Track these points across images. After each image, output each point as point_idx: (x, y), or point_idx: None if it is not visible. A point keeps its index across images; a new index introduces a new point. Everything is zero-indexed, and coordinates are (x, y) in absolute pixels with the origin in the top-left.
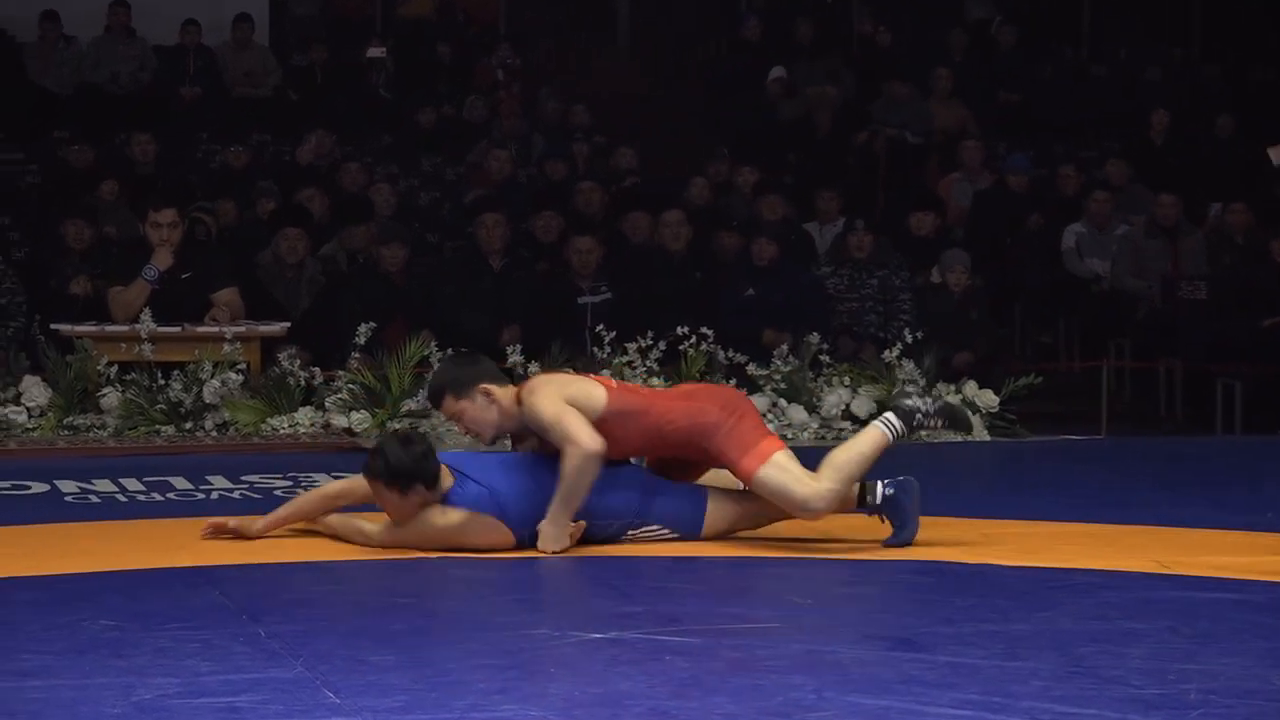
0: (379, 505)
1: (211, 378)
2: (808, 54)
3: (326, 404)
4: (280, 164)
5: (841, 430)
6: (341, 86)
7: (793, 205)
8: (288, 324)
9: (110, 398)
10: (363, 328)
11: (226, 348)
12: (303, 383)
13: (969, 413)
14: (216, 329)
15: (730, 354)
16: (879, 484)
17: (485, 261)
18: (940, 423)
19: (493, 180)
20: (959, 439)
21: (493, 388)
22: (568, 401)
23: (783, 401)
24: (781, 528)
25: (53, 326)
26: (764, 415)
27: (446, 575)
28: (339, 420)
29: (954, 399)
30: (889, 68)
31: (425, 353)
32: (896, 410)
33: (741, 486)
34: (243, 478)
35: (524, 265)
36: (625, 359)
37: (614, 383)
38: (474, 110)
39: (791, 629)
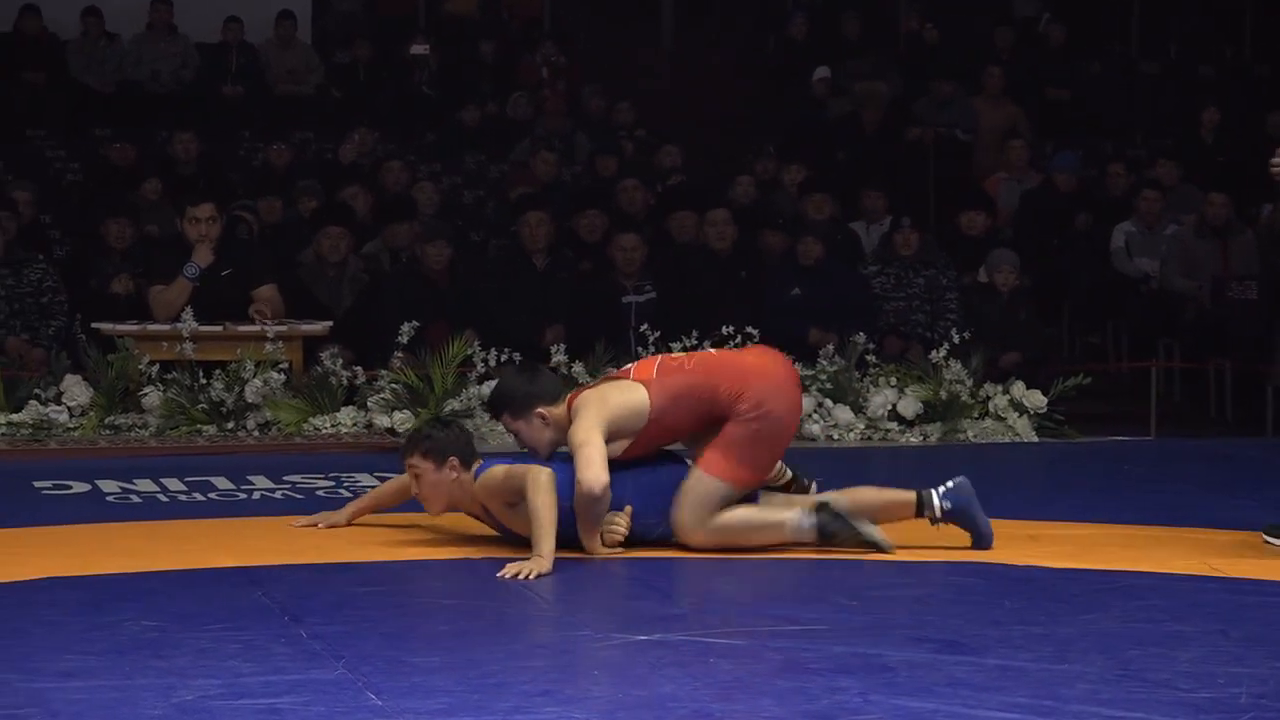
0: (413, 485)
1: (253, 377)
2: (854, 51)
3: (369, 404)
4: (323, 162)
5: (888, 431)
6: (384, 84)
7: (839, 204)
8: (330, 323)
9: (152, 397)
10: (405, 327)
11: (268, 347)
12: (345, 382)
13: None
14: (258, 328)
15: None
16: (934, 495)
17: (529, 260)
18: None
19: (537, 178)
20: (1005, 440)
21: (548, 411)
22: (612, 424)
23: (829, 402)
24: None
25: (94, 325)
26: (810, 415)
27: (489, 576)
28: (381, 420)
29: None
30: (936, 65)
31: (468, 352)
32: (818, 528)
33: (788, 489)
34: (285, 478)
35: (568, 264)
36: None
37: (653, 369)
38: (518, 108)
39: (837, 631)
